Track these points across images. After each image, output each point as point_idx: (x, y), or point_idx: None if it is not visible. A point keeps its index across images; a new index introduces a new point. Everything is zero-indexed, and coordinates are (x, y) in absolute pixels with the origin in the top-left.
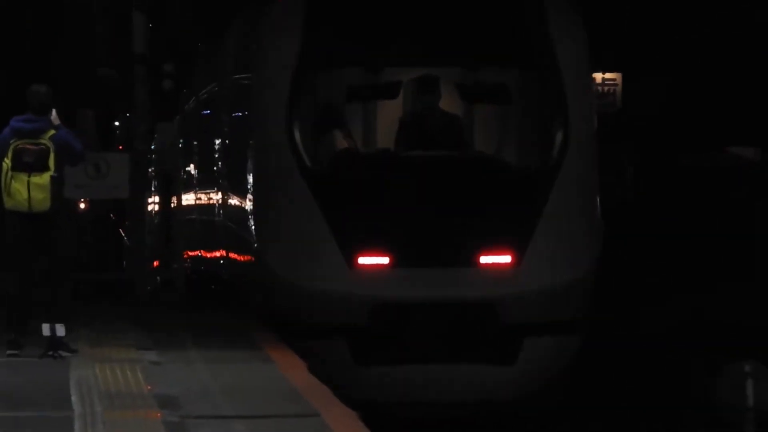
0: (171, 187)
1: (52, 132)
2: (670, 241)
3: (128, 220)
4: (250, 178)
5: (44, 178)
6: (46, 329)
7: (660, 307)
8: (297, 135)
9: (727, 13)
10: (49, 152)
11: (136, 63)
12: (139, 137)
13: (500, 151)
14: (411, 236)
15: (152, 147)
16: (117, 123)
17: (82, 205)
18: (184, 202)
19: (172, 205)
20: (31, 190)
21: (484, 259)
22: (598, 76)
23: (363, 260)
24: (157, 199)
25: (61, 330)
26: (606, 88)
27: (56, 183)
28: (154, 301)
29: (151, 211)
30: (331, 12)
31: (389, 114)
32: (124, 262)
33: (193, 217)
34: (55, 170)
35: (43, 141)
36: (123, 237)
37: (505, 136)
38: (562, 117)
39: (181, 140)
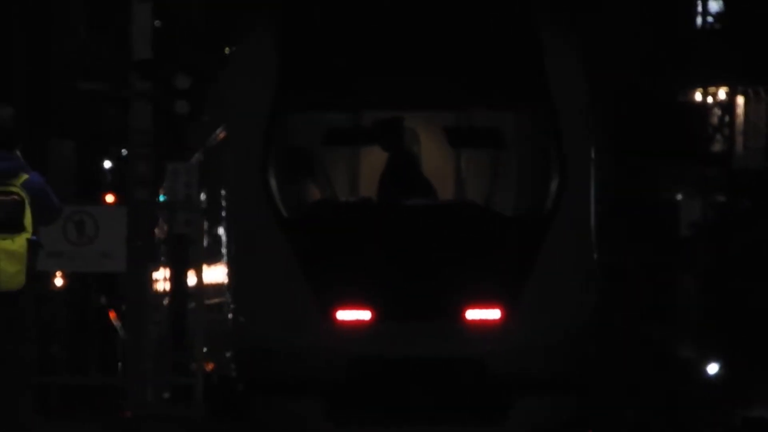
0: (188, 255)
1: (25, 176)
2: None
3: (124, 303)
4: (226, 233)
5: (18, 243)
6: None
7: None
8: (273, 183)
9: None
10: (23, 205)
11: (135, 74)
12: (139, 183)
13: (490, 199)
14: (393, 289)
15: (160, 198)
16: (107, 162)
17: (58, 281)
18: (205, 278)
19: (190, 282)
20: (0, 260)
21: (471, 314)
22: None
23: (342, 314)
24: (166, 273)
25: None
26: None
27: (35, 250)
28: (159, 419)
29: (159, 290)
30: (306, 49)
31: (370, 160)
32: (119, 363)
33: (216, 299)
34: (33, 231)
35: (14, 188)
36: (116, 327)
37: (495, 183)
38: (558, 162)
39: (204, 189)
